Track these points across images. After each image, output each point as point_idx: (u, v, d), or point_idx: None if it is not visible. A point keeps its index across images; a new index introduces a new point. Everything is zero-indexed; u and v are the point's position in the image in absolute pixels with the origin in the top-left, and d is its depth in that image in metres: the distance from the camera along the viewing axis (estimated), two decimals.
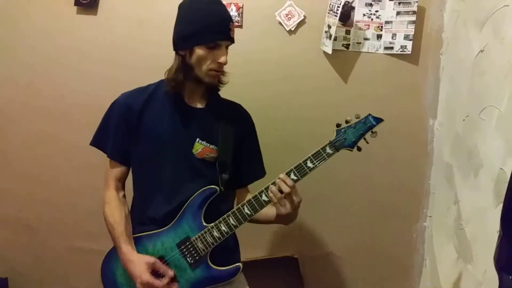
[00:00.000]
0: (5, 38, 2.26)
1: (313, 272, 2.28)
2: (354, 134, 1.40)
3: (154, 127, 1.49)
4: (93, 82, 2.24)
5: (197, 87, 1.50)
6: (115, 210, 1.50)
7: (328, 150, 1.39)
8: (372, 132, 1.41)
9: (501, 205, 1.11)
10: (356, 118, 1.41)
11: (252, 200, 1.41)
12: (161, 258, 1.44)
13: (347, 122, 1.41)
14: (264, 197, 1.40)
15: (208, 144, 1.49)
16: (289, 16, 2.13)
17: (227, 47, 1.45)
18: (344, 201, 2.23)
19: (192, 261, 1.44)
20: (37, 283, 2.42)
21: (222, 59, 1.41)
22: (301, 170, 1.38)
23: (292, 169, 1.39)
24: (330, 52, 2.07)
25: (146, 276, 1.37)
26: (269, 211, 1.46)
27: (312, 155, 1.39)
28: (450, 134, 1.92)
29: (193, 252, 1.43)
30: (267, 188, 1.40)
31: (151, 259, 1.42)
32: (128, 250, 1.43)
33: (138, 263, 1.40)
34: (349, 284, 2.28)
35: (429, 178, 2.16)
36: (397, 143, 2.17)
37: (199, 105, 1.53)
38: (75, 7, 2.19)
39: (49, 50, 2.24)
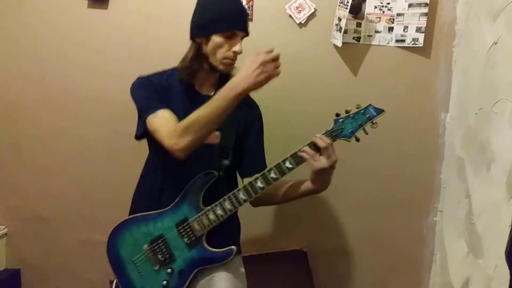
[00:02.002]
0: (15, 32, 2.27)
1: (321, 266, 2.27)
2: (352, 125, 1.40)
3: None
4: (103, 76, 2.24)
5: (209, 75, 1.56)
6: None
7: None
8: (372, 123, 1.39)
9: None
10: (357, 108, 1.41)
11: (247, 186, 1.44)
12: (161, 237, 1.51)
13: (346, 112, 1.41)
14: (259, 183, 1.42)
15: None
16: (300, 9, 2.12)
17: (242, 38, 1.50)
18: (354, 195, 2.22)
19: (188, 241, 1.49)
20: (49, 274, 2.45)
21: (237, 48, 1.46)
22: (297, 159, 1.41)
23: (287, 158, 1.41)
24: (340, 45, 2.05)
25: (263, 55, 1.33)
26: (297, 184, 1.50)
27: (308, 144, 1.41)
28: (462, 128, 1.90)
29: (189, 233, 1.49)
30: (269, 170, 1.42)
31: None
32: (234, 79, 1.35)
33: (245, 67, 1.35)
34: (358, 278, 2.27)
35: (441, 172, 2.14)
36: (408, 137, 2.15)
37: (208, 93, 1.57)
38: (86, 1, 2.20)
39: (59, 43, 2.25)
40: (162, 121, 1.43)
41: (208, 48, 1.47)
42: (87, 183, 2.33)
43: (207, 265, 1.51)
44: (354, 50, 2.13)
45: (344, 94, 2.14)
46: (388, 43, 2.11)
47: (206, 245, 1.50)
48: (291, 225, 2.24)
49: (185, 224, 1.49)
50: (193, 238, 1.49)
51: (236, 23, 1.47)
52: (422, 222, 2.19)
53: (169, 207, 1.52)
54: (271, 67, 1.34)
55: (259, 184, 1.43)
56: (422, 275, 2.21)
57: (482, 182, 1.64)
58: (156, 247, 1.50)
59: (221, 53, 1.46)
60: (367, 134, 1.41)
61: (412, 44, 2.08)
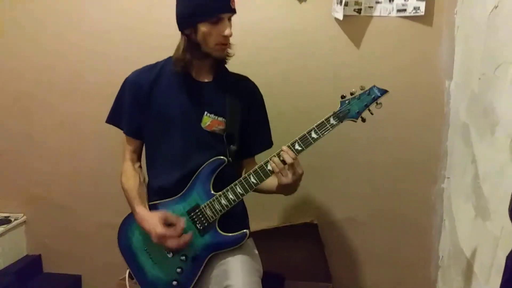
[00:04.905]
0: (23, 24, 2.34)
1: (332, 237, 2.32)
2: (358, 105, 1.43)
3: (163, 103, 1.56)
4: (113, 62, 2.30)
5: (204, 62, 1.56)
6: (130, 178, 1.61)
7: (332, 121, 1.43)
8: (377, 103, 1.43)
9: None
10: (361, 89, 1.43)
11: (258, 169, 1.47)
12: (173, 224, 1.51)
13: (351, 93, 1.44)
14: (269, 167, 1.45)
15: (217, 117, 1.55)
16: None
17: (229, 19, 1.47)
18: (362, 165, 2.25)
19: (201, 228, 1.52)
20: (69, 258, 2.54)
21: (227, 32, 1.44)
22: (305, 141, 1.43)
23: (296, 140, 1.43)
24: (341, 18, 2.05)
25: (159, 229, 1.45)
26: (271, 181, 1.51)
27: (316, 126, 1.43)
28: (466, 94, 1.91)
29: (202, 219, 1.51)
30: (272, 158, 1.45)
31: (162, 213, 1.50)
32: (141, 210, 1.53)
33: (151, 219, 1.48)
34: (369, 248, 2.32)
35: (447, 139, 2.15)
36: (414, 106, 2.15)
37: (206, 79, 1.58)
38: None
39: (66, 32, 2.33)
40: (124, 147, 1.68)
41: (198, 37, 1.45)
42: (103, 168, 2.39)
43: (221, 249, 1.53)
44: (355, 23, 2.12)
45: (347, 67, 2.15)
46: (390, 13, 2.10)
47: (219, 230, 1.52)
48: (301, 198, 2.29)
49: (197, 210, 1.51)
50: (206, 224, 1.51)
51: (219, 7, 1.43)
52: (430, 190, 2.22)
53: (179, 195, 1.55)
54: (173, 243, 1.45)
55: (269, 167, 1.45)
56: (432, 242, 2.25)
57: (487, 146, 1.66)
58: None
59: (211, 40, 1.45)
60: (372, 114, 1.45)
61: (414, 13, 2.07)
